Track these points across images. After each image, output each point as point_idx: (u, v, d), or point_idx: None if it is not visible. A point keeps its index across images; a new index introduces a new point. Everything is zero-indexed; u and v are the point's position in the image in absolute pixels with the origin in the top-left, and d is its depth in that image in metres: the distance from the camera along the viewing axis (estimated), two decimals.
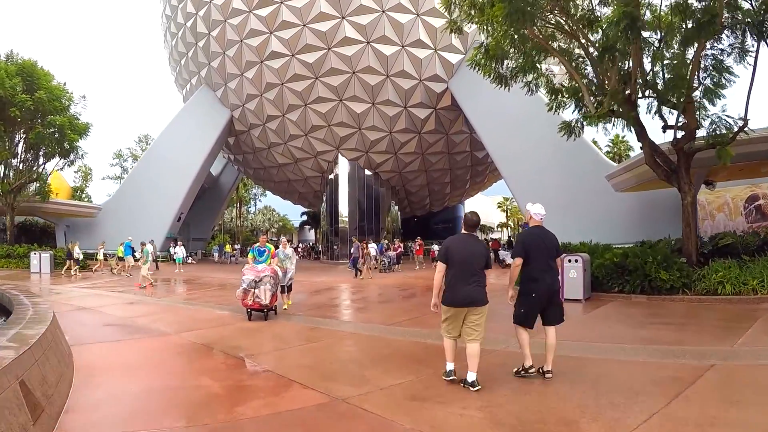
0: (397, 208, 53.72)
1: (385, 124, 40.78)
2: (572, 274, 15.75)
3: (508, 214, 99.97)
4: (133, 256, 29.21)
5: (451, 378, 6.78)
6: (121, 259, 30.53)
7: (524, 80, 19.44)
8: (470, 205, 79.30)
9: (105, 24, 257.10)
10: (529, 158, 32.68)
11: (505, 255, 32.76)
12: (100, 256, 31.42)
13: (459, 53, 37.56)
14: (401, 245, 36.56)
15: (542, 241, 7.19)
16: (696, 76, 16.11)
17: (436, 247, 40.42)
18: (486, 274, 6.85)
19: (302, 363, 8.24)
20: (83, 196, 69.11)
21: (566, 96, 19.77)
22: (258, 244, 13.84)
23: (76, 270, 29.38)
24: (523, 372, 7.04)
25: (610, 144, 65.13)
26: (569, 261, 15.85)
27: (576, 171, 30.58)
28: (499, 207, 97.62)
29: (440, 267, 6.83)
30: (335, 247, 46.41)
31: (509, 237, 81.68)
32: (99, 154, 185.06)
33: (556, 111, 20.31)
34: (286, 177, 50.10)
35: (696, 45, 15.52)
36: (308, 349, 9.44)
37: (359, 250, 26.69)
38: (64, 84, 37.80)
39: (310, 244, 72.96)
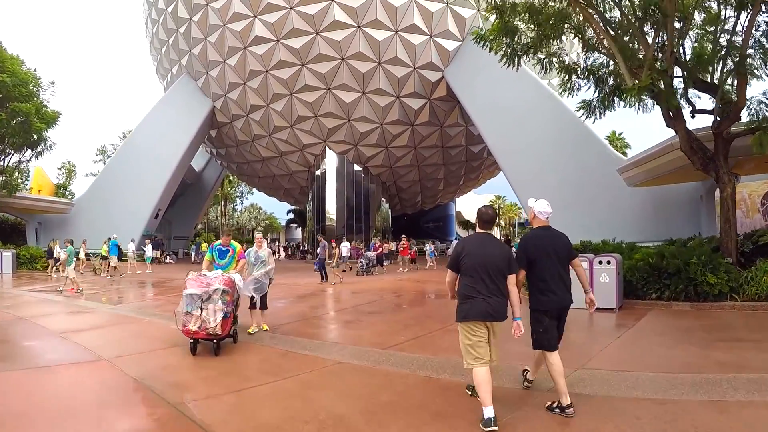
0: (387, 205, 51.11)
1: (376, 114, 38.26)
2: (604, 278, 13.29)
3: (500, 213, 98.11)
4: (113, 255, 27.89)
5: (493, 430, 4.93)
6: (104, 258, 28.80)
7: (536, 58, 17.12)
8: (462, 203, 78.01)
9: (92, 20, 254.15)
10: (530, 151, 30.37)
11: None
12: (82, 256, 29.29)
13: (456, 40, 35.27)
14: (383, 245, 32.97)
15: (550, 245, 5.92)
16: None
17: (428, 247, 38.05)
18: (510, 280, 5.49)
19: (264, 421, 5.56)
20: (67, 193, 66.21)
21: (582, 76, 17.29)
22: (220, 241, 10.09)
23: (57, 270, 27.39)
24: (558, 410, 5.51)
25: (607, 140, 62.21)
26: (600, 263, 13.43)
27: (582, 165, 28.30)
28: (491, 205, 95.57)
29: (449, 275, 5.68)
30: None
31: (503, 235, 79.80)
32: (83, 151, 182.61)
33: (570, 94, 17.75)
34: (270, 172, 47.36)
35: (750, 9, 13.12)
36: (276, 391, 6.65)
37: (325, 250, 23.74)
38: (35, 70, 35.10)
39: (296, 243, 70.12)
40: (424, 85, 36.87)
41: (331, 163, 42.59)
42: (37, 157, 37.37)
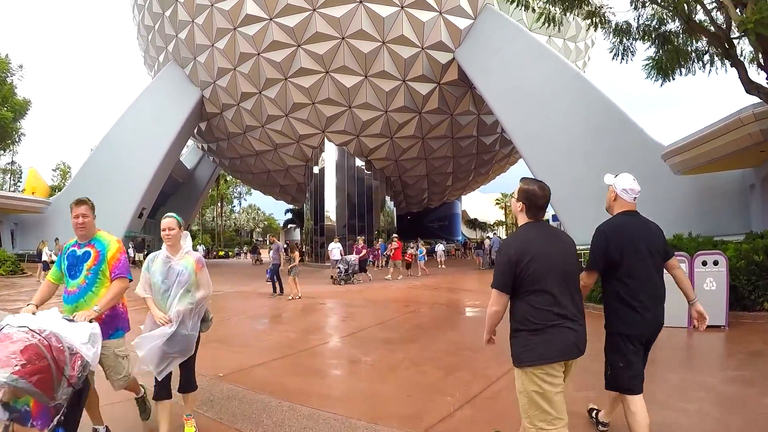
0: (392, 203, 47.10)
1: (380, 101, 34.27)
2: (709, 284, 9.68)
3: (507, 212, 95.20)
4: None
5: None
6: None
7: (580, 13, 13.96)
8: (467, 202, 74.66)
9: (92, 20, 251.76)
10: (555, 138, 26.78)
11: None
12: None
13: (468, 17, 31.45)
14: (366, 247, 27.38)
15: (642, 238, 4.32)
16: None
17: (441, 248, 34.22)
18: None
19: None
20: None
21: (639, 36, 13.92)
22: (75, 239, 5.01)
23: (44, 275, 23.88)
24: None
25: None
26: (703, 264, 9.83)
27: (616, 152, 24.76)
28: (497, 204, 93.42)
29: (498, 301, 3.55)
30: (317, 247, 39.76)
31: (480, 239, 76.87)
32: (80, 152, 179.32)
33: (623, 59, 14.39)
34: (265, 167, 43.31)
35: None
36: None
37: (279, 254, 18.55)
38: (6, 56, 31.38)
39: (294, 243, 66.50)
40: (433, 68, 32.95)
41: (330, 155, 38.52)
42: (4, 150, 33.62)
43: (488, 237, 39.56)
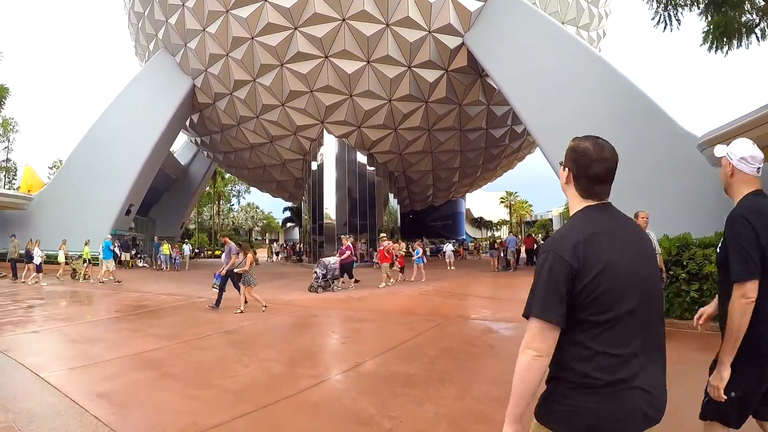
0: (396, 200, 44.12)
1: (384, 89, 31.54)
2: None
3: (512, 210, 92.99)
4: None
5: None
6: (88, 261, 24.96)
7: None
8: (471, 201, 72.27)
9: (92, 16, 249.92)
10: (575, 127, 22.65)
11: None
12: (61, 258, 25.34)
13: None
14: (351, 247, 21.37)
15: None
16: None
17: (449, 248, 31.51)
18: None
19: None
20: None
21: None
22: None
23: (35, 277, 22.99)
24: None
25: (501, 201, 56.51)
26: None
27: (643, 143, 22.51)
28: (502, 202, 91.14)
29: (544, 337, 2.07)
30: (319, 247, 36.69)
31: (493, 238, 74.65)
32: None
33: (666, 26, 12.23)
34: (260, 162, 40.52)
35: None
36: None
37: (232, 258, 14.41)
38: None
39: (290, 243, 63.67)
40: (440, 53, 30.25)
41: (329, 148, 35.64)
42: None
43: (499, 235, 36.78)
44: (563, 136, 21.04)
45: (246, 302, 13.58)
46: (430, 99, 32.54)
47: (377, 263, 24.78)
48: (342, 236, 23.03)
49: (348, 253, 19.99)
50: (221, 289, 14.35)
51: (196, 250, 60.77)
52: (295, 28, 29.25)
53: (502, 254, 27.60)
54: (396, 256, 21.64)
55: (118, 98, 34.90)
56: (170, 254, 34.57)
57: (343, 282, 19.72)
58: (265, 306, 13.34)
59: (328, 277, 18.84)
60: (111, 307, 14.83)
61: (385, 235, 22.42)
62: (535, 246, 31.10)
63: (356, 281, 20.66)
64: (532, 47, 26.22)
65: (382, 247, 21.33)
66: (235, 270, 13.94)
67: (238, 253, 14.35)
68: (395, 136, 35.28)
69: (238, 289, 13.95)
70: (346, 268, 19.90)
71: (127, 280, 23.89)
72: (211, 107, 35.96)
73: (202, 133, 40.75)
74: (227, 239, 15.44)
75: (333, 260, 19.57)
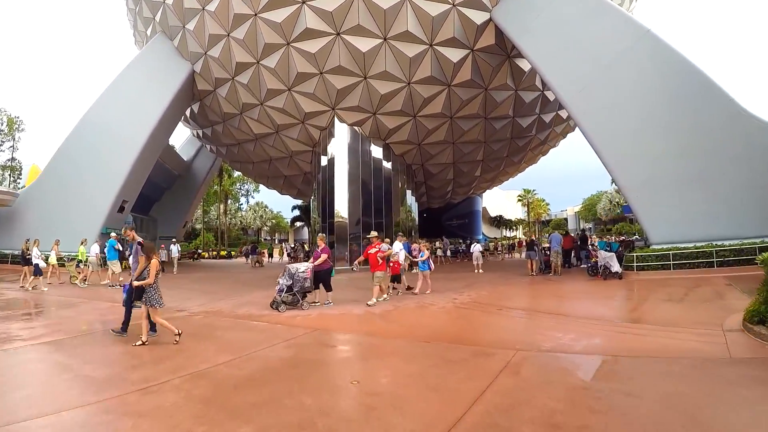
0: (413, 197, 40.18)
1: (402, 70, 27.85)
2: None
3: (529, 209, 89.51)
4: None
5: None
6: (82, 263, 22.42)
7: None
8: (486, 199, 69.01)
9: (100, 14, 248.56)
10: (622, 110, 21.66)
11: (607, 257, 19.59)
12: (53, 260, 22.23)
13: None
14: (329, 250, 15.84)
15: None
16: None
17: (478, 248, 27.85)
18: None
19: None
20: None
21: None
22: None
23: (34, 281, 20.03)
24: None
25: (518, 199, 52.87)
26: None
27: (700, 127, 20.14)
28: (519, 200, 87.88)
29: None
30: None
31: (529, 237, 71.60)
32: None
33: None
34: (266, 154, 36.84)
35: None
36: None
37: (139, 260, 10.01)
38: None
39: (300, 243, 60.01)
40: (465, 30, 26.57)
41: (341, 138, 31.81)
42: None
43: (519, 235, 32.62)
44: (610, 120, 22.14)
45: (154, 329, 9.72)
46: (454, 82, 28.84)
47: (354, 268, 21.83)
48: (319, 235, 17.26)
49: (324, 257, 14.53)
50: (129, 306, 9.99)
51: (198, 251, 57.51)
52: (303, 2, 25.69)
53: (543, 255, 23.80)
54: (391, 262, 16.61)
55: (110, 87, 31.25)
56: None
57: (315, 302, 14.31)
58: (178, 334, 9.19)
59: (295, 289, 13.70)
60: (57, 326, 11.27)
61: (376, 233, 16.96)
62: (577, 244, 27.53)
63: (408, 288, 17.42)
64: (570, 21, 23.54)
65: (375, 250, 15.23)
66: (135, 283, 9.47)
67: (149, 256, 9.56)
68: (414, 124, 31.57)
69: (128, 308, 9.91)
70: (321, 277, 14.47)
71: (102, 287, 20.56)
72: (211, 95, 32.44)
73: (203, 125, 37.20)
74: (132, 233, 11.22)
75: (303, 267, 14.12)
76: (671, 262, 19.04)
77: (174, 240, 31.75)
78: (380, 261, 15.13)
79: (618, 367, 7.20)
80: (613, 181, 72.15)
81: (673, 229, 19.95)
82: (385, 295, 15.33)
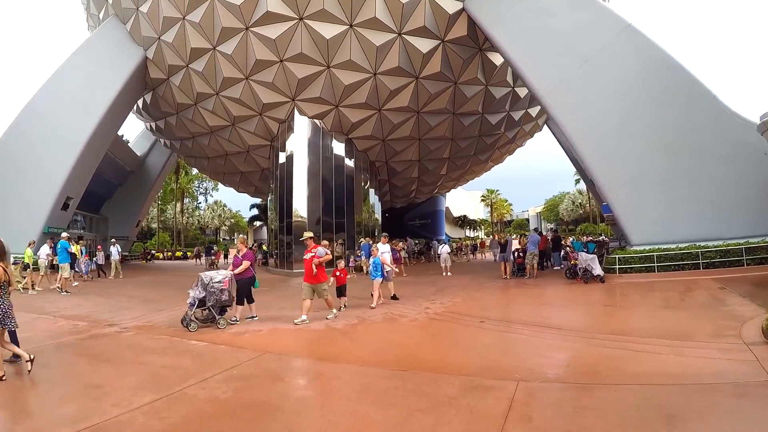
0: (377, 196, 38.03)
1: (368, 59, 25.93)
2: None
3: (492, 209, 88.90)
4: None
5: None
6: (29, 268, 20.20)
7: None
8: (450, 199, 68.06)
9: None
10: (603, 106, 20.53)
11: (588, 259, 18.16)
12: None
13: None
14: (252, 255, 13.44)
15: None
16: None
17: (446, 249, 26.28)
18: None
19: None
20: None
21: None
22: None
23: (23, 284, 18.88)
24: None
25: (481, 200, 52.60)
26: None
27: (685, 125, 19.44)
28: (483, 200, 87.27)
29: None
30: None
31: (503, 238, 70.74)
32: None
33: None
34: (221, 149, 34.33)
35: None
36: None
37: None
38: None
39: (258, 243, 57.42)
40: (436, 19, 24.83)
41: (300, 132, 29.52)
42: None
43: (522, 234, 31.00)
44: (589, 116, 20.63)
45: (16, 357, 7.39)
46: (422, 74, 27.02)
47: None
48: (239, 237, 14.35)
49: (246, 264, 12.00)
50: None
51: (152, 252, 54.91)
52: None
53: (516, 257, 22.11)
54: (337, 270, 13.81)
55: (55, 75, 28.53)
56: (80, 257, 25.40)
57: (235, 319, 11.65)
58: (30, 360, 7.11)
59: (209, 303, 11.09)
60: None
61: (311, 233, 13.02)
62: (549, 246, 26.08)
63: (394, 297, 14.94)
64: (548, 12, 21.98)
65: (310, 255, 11.88)
66: None
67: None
68: (379, 118, 29.64)
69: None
70: (241, 288, 12.02)
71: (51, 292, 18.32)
72: (164, 84, 29.98)
73: (155, 117, 34.62)
74: None
75: (219, 276, 11.47)
76: (655, 264, 17.96)
77: (113, 240, 29.06)
78: (314, 270, 11.78)
79: (661, 402, 5.52)
80: (578, 181, 73.50)
81: (655, 230, 19.06)
82: (334, 310, 12.24)
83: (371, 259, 15.06)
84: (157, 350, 9.08)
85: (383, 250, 15.80)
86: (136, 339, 10.02)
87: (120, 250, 28.15)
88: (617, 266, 18.42)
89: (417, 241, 43.18)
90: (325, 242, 14.55)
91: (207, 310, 11.19)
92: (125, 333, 10.67)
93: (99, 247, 29.42)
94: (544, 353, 8.20)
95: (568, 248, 20.97)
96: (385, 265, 14.71)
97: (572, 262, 19.37)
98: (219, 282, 11.23)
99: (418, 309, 13.20)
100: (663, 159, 19.28)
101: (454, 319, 11.61)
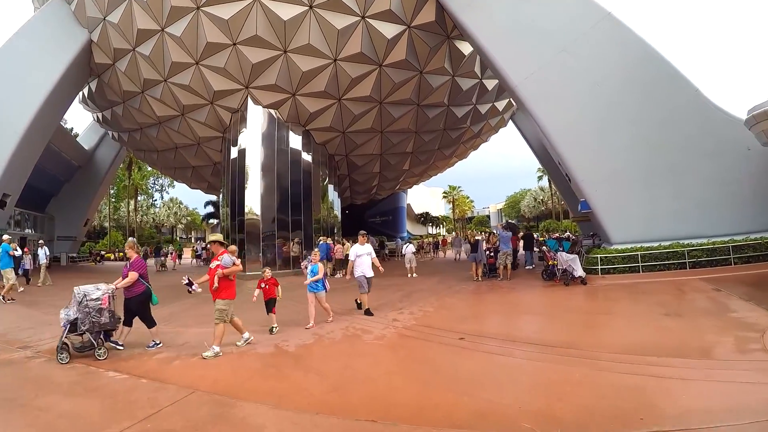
0: (336, 192, 35.84)
1: (328, 44, 23.89)
2: None
3: (454, 206, 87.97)
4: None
5: None
6: None
7: None
8: (411, 196, 66.81)
9: None
10: (580, 98, 19.25)
11: (569, 259, 16.67)
12: None
13: None
14: (141, 264, 9.98)
15: None
16: None
17: (411, 249, 24.71)
18: None
19: None
20: None
21: None
22: None
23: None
24: None
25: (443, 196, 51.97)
26: None
27: (666, 119, 18.52)
28: (445, 197, 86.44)
29: None
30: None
31: (455, 234, 69.66)
32: None
33: None
34: (171, 141, 31.76)
35: None
36: None
37: None
38: None
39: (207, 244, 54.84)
40: (403, 3, 23.05)
41: (254, 123, 27.23)
42: None
43: (491, 232, 29.20)
44: (566, 107, 19.15)
45: None
46: (386, 62, 25.09)
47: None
48: (128, 241, 10.67)
49: (133, 276, 9.45)
50: None
51: (101, 252, 51.98)
52: None
53: (488, 256, 20.38)
54: (263, 282, 11.31)
55: None
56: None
57: (119, 345, 9.36)
58: None
59: (84, 327, 8.66)
60: None
61: (220, 235, 10.64)
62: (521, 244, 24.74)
63: (366, 312, 12.40)
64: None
65: (217, 263, 9.20)
66: None
67: None
68: (339, 109, 27.56)
69: None
70: (131, 308, 9.62)
71: None
72: (110, 70, 27.36)
73: (102, 106, 31.83)
74: None
75: (97, 292, 8.94)
76: (640, 264, 16.72)
77: (42, 242, 26.42)
78: (216, 283, 9.03)
79: None
80: (541, 178, 73.03)
81: (636, 228, 17.99)
82: (245, 335, 9.44)
83: (309, 267, 11.85)
84: (64, 386, 7.11)
85: (362, 251, 12.93)
86: (45, 369, 7.99)
87: (48, 253, 25.59)
88: (599, 266, 17.08)
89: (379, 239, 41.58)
90: (233, 248, 10.62)
91: (81, 335, 8.79)
92: (35, 360, 8.64)
93: (27, 250, 26.50)
94: (548, 386, 6.40)
95: (544, 248, 19.29)
96: (365, 272, 12.64)
97: (550, 263, 17.75)
98: (96, 300, 8.76)
99: (384, 322, 11.30)
100: (644, 154, 18.30)
101: (429, 335, 9.75)
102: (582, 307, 12.78)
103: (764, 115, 15.06)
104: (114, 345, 9.28)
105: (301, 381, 7.17)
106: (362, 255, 12.82)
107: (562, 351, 8.05)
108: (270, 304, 11.12)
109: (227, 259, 9.23)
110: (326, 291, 11.67)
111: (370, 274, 12.79)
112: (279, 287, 11.35)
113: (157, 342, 9.51)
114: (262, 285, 11.22)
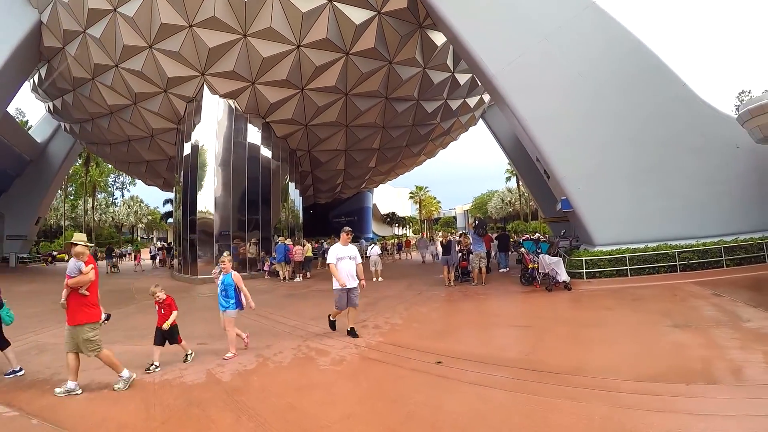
0: (298, 190, 33.82)
1: (292, 29, 22.19)
2: None
3: (421, 206, 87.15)
4: None
5: None
6: None
7: None
8: (377, 196, 65.81)
9: None
10: (565, 91, 18.04)
11: (553, 263, 15.16)
12: None
13: None
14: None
15: None
16: None
17: (376, 251, 23.21)
18: None
19: None
20: None
21: None
22: None
23: None
24: None
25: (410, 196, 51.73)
26: None
27: (652, 114, 17.60)
28: (411, 197, 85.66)
29: None
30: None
31: (421, 235, 68.30)
32: None
33: None
34: (123, 133, 29.58)
35: None
36: None
37: None
38: None
39: (164, 244, 51.68)
40: None
41: (210, 113, 25.30)
42: None
43: (462, 233, 27.76)
44: (547, 99, 17.66)
45: None
46: (353, 50, 23.49)
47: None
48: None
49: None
50: None
51: (53, 253, 49.30)
52: None
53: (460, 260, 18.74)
54: (157, 304, 8.44)
55: None
56: None
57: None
58: None
59: None
60: None
61: (84, 237, 7.33)
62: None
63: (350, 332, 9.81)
64: None
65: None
66: None
67: None
68: (301, 99, 25.85)
69: None
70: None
71: None
72: (60, 54, 25.40)
73: (52, 95, 29.70)
74: None
75: None
76: (628, 267, 15.53)
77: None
78: (63, 301, 6.89)
79: None
80: (509, 179, 72.40)
81: (621, 228, 17.03)
82: (124, 372, 6.97)
83: (220, 277, 9.16)
84: None
85: (345, 254, 9.89)
86: None
87: None
88: (584, 270, 15.73)
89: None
90: (79, 248, 7.01)
91: None
92: None
93: None
94: None
95: (522, 251, 17.74)
96: (346, 282, 9.74)
97: (530, 266, 16.15)
98: None
99: (344, 339, 9.49)
100: (630, 149, 17.29)
101: (398, 357, 7.95)
102: (574, 318, 11.14)
103: (760, 109, 14.49)
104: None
105: (231, 428, 5.33)
106: (344, 258, 9.85)
107: (569, 379, 6.34)
108: (170, 335, 8.27)
109: (72, 265, 6.88)
110: (242, 309, 9.06)
111: (353, 284, 9.86)
112: (175, 312, 8.35)
113: (17, 369, 7.68)
114: (161, 311, 8.33)
